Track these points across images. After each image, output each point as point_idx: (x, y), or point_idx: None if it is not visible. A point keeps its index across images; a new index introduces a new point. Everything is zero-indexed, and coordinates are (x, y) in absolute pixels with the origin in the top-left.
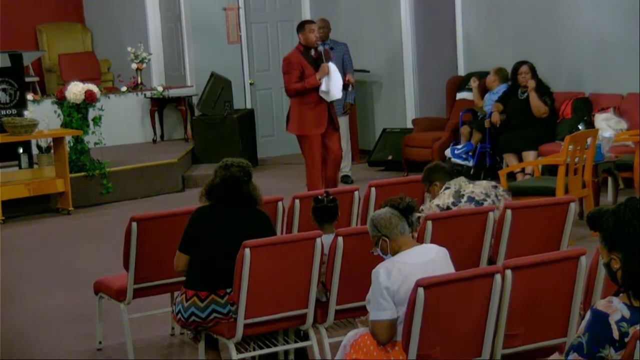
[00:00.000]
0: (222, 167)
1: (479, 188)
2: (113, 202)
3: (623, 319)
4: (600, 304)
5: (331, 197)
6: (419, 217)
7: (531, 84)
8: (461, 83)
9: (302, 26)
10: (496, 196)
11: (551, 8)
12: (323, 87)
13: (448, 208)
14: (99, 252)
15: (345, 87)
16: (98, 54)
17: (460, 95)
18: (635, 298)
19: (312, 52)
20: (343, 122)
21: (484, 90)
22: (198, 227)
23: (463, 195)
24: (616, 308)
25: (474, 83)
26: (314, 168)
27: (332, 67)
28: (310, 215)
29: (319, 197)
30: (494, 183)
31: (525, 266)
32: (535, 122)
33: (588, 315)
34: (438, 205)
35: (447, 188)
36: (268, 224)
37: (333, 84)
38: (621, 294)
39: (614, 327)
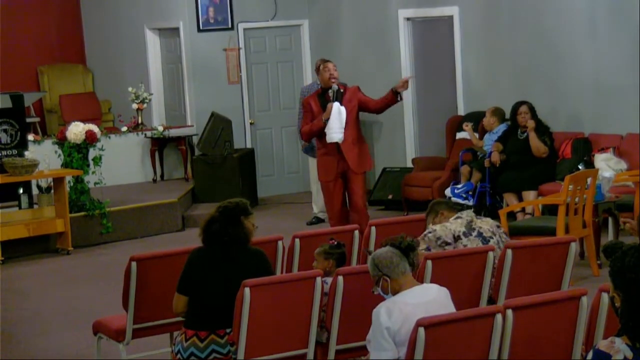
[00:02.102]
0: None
1: (487, 225)
2: (113, 241)
3: None
4: (603, 344)
5: (336, 242)
6: (426, 235)
7: (530, 124)
8: (461, 123)
9: (317, 67)
10: (499, 236)
11: (550, 49)
12: (326, 128)
13: (458, 237)
14: (98, 292)
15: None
16: (99, 94)
17: (460, 135)
18: (633, 341)
19: (330, 92)
20: None
21: (482, 130)
22: (193, 268)
23: (474, 228)
24: (618, 349)
25: (466, 127)
26: (330, 214)
27: (335, 108)
28: (312, 256)
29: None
30: (497, 223)
31: (526, 306)
32: (535, 161)
33: (590, 355)
34: (451, 230)
35: (458, 217)
36: (264, 261)
37: (331, 126)
38: (623, 335)
39: None
